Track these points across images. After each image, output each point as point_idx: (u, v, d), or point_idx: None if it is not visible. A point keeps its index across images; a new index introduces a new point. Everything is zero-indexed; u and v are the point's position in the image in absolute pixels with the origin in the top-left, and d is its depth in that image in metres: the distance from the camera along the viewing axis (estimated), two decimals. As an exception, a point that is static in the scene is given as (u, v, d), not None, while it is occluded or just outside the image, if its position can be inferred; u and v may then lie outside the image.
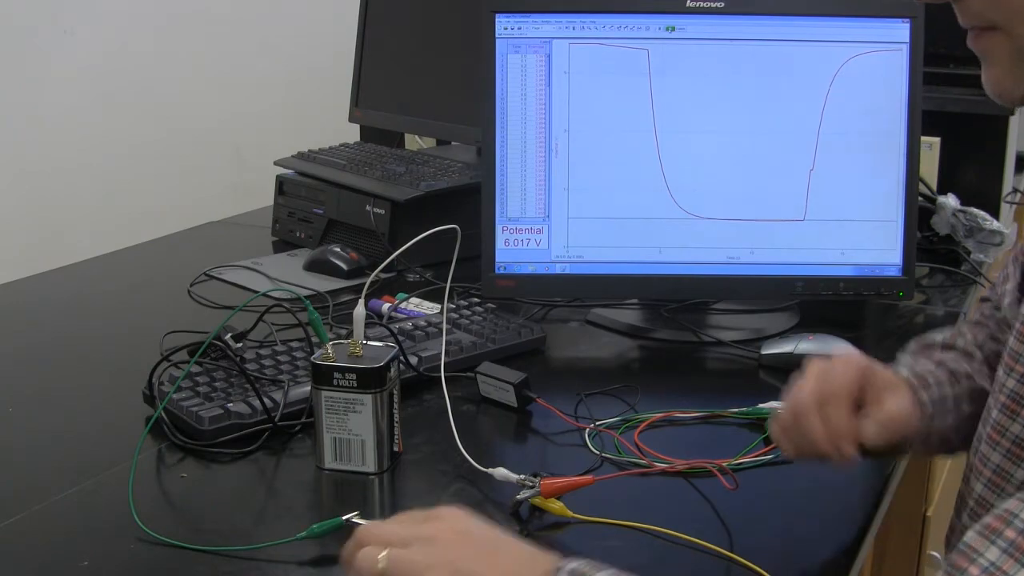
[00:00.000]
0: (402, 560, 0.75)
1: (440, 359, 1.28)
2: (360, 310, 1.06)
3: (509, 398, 1.20)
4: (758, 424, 1.17)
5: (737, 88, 1.40)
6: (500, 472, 1.02)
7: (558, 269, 1.43)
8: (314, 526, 0.94)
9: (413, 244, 1.06)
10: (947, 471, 1.85)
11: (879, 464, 1.13)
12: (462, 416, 1.20)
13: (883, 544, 1.68)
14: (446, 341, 1.31)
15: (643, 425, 1.15)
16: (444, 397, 1.13)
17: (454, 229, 1.07)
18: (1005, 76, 0.77)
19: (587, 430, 1.14)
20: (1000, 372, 0.88)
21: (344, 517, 0.94)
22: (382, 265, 1.11)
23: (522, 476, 1.00)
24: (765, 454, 1.10)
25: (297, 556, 0.93)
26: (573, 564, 0.74)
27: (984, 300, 1.15)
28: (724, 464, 1.06)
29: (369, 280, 1.15)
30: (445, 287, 1.10)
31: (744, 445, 1.12)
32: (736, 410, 1.19)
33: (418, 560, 0.74)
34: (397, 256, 1.57)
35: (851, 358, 0.97)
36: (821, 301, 1.45)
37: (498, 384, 1.21)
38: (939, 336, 1.09)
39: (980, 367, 1.04)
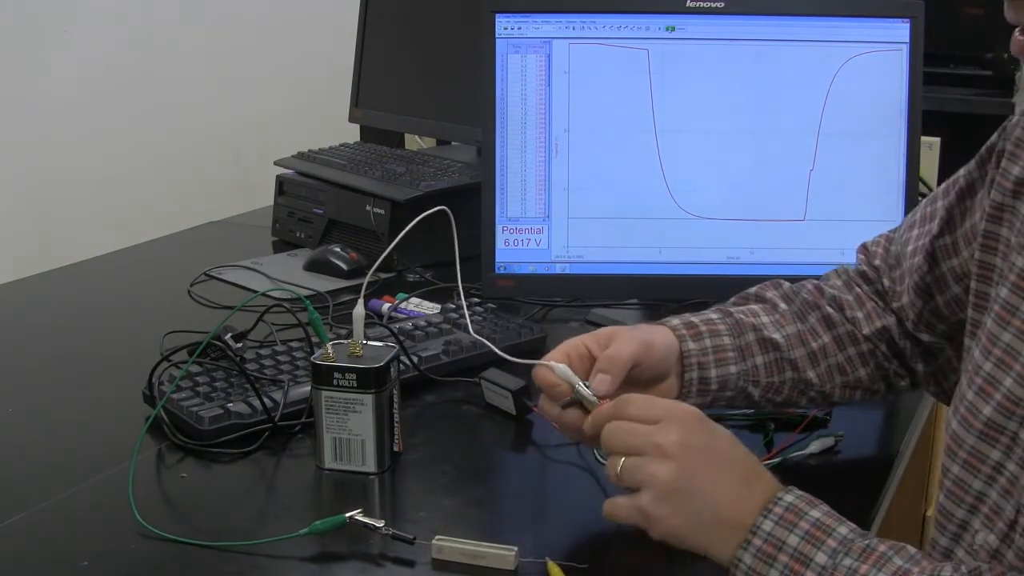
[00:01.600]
0: (635, 471, 0.87)
1: (439, 359, 1.28)
2: (360, 310, 1.06)
3: (508, 405, 1.19)
4: (759, 425, 1.17)
5: (737, 88, 1.40)
6: (561, 369, 0.99)
7: (558, 269, 1.43)
8: (317, 522, 0.94)
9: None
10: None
11: (880, 465, 1.13)
12: (462, 418, 1.20)
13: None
14: (446, 341, 1.31)
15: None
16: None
17: (444, 211, 1.06)
18: None
19: None
20: (976, 352, 0.89)
21: (347, 515, 0.94)
22: (378, 261, 1.10)
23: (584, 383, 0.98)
24: (771, 458, 1.10)
25: (299, 553, 0.93)
26: (789, 498, 0.84)
27: (862, 247, 1.18)
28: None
29: (367, 280, 1.15)
30: (449, 285, 1.09)
31: (747, 447, 1.11)
32: (738, 412, 1.19)
33: (647, 475, 0.86)
34: (397, 257, 1.57)
35: (566, 342, 1.03)
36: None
37: (499, 391, 1.20)
38: (755, 288, 1.15)
39: (779, 318, 1.10)
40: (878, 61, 1.39)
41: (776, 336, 1.08)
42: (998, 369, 0.85)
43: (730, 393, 1.07)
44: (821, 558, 0.80)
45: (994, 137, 0.98)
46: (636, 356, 1.00)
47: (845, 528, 0.82)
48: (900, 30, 1.39)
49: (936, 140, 1.83)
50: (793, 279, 1.14)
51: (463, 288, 1.08)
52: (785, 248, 1.41)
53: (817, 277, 1.17)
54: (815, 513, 0.83)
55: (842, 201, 1.41)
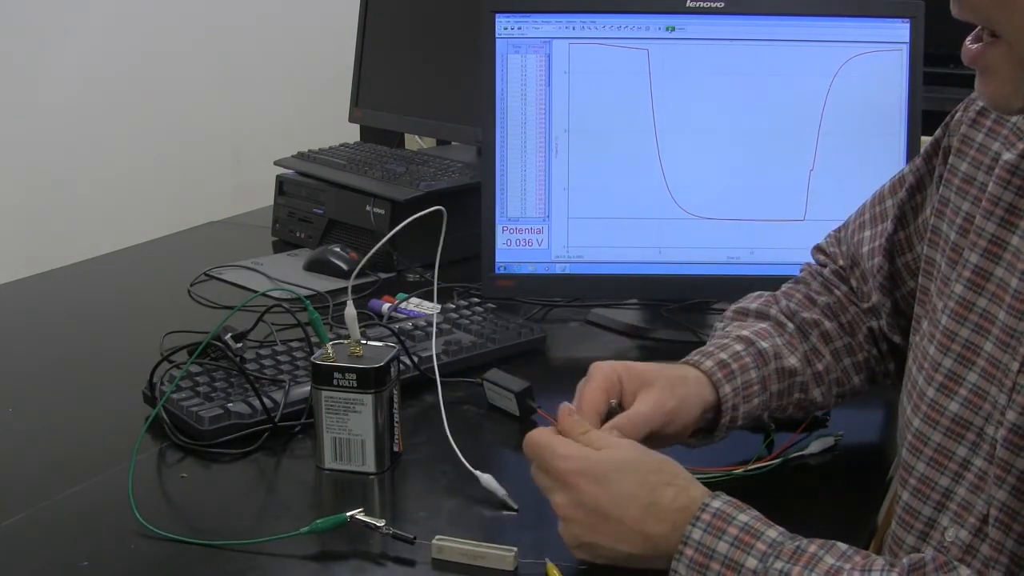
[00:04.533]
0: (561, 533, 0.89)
1: (440, 359, 1.28)
2: (351, 310, 1.06)
3: (512, 407, 1.19)
4: (759, 426, 1.17)
5: (737, 88, 1.40)
6: (486, 479, 1.02)
7: (558, 269, 1.43)
8: (318, 521, 0.94)
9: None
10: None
11: (880, 465, 1.13)
12: (462, 419, 1.20)
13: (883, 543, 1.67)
14: (446, 341, 1.31)
15: (649, 433, 1.15)
16: (446, 397, 1.12)
17: (440, 211, 1.06)
18: (1005, 88, 0.77)
19: None
20: (931, 348, 0.90)
21: (348, 514, 0.94)
22: (365, 258, 1.10)
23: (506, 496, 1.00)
24: (772, 459, 1.10)
25: (299, 552, 0.93)
26: (716, 504, 0.83)
27: (819, 251, 1.20)
28: (740, 471, 1.07)
29: (351, 281, 1.14)
30: (436, 267, 1.09)
31: (748, 447, 1.11)
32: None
33: (559, 531, 0.89)
34: (398, 257, 1.57)
35: (602, 366, 1.00)
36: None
37: (502, 392, 1.20)
38: (754, 304, 1.13)
39: (789, 339, 1.09)
40: (878, 61, 1.39)
41: (793, 362, 1.07)
42: (959, 365, 0.87)
43: (747, 422, 1.06)
44: (751, 563, 0.80)
45: (938, 133, 1.00)
46: (654, 427, 0.97)
47: (774, 531, 0.82)
48: (900, 30, 1.39)
49: (936, 140, 1.83)
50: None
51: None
52: (785, 248, 1.41)
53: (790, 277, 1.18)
54: (743, 517, 0.83)
55: (842, 201, 1.40)
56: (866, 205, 1.12)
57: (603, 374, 0.99)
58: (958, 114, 0.97)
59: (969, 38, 0.78)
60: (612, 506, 0.85)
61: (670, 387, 0.99)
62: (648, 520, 0.85)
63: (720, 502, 0.84)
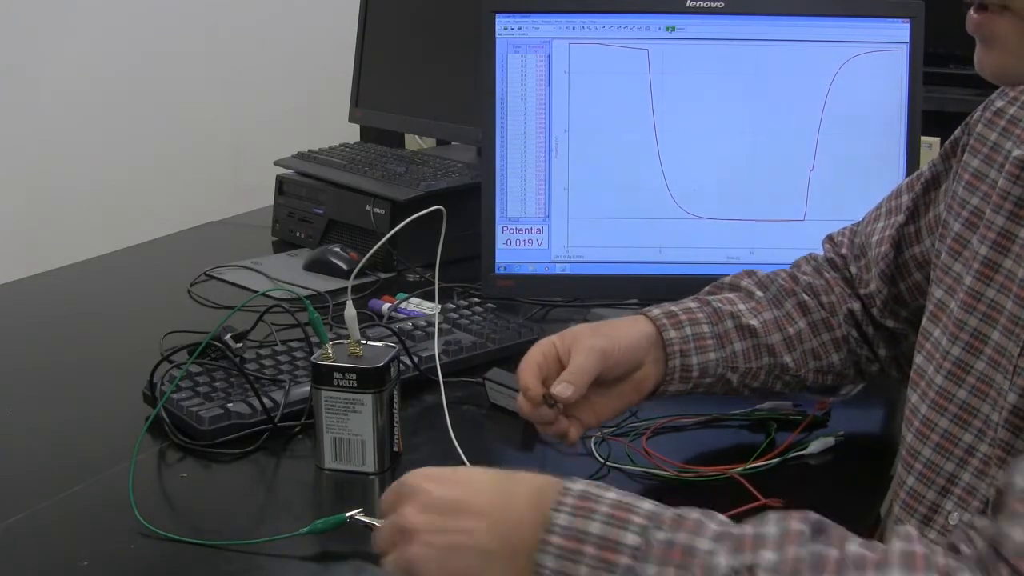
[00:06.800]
0: (398, 564, 0.77)
1: (440, 359, 1.28)
2: (351, 310, 1.06)
3: (516, 406, 1.19)
4: (760, 424, 1.17)
5: (737, 88, 1.40)
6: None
7: (558, 269, 1.43)
8: (317, 522, 0.94)
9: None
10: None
11: (880, 465, 1.13)
12: (463, 418, 1.20)
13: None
14: (445, 341, 1.31)
15: (649, 432, 1.15)
16: (446, 397, 1.12)
17: (440, 211, 1.07)
18: (1012, 59, 0.78)
19: (592, 439, 1.12)
20: (944, 339, 0.92)
21: (348, 514, 0.94)
22: (365, 258, 1.11)
23: None
24: (772, 458, 1.10)
25: (299, 552, 0.93)
26: (579, 486, 0.73)
27: (828, 239, 1.23)
28: (738, 470, 1.06)
29: (351, 281, 1.14)
30: (436, 268, 1.10)
31: (748, 447, 1.12)
32: (738, 412, 1.19)
33: (406, 561, 0.76)
34: (398, 257, 1.57)
35: (538, 343, 1.06)
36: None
37: (506, 391, 1.20)
38: (728, 278, 1.18)
39: (755, 305, 1.12)
40: (878, 61, 1.39)
41: (754, 322, 1.10)
42: (967, 353, 0.89)
43: (710, 379, 1.09)
44: (631, 539, 0.69)
45: (958, 132, 1.03)
46: (597, 368, 1.02)
47: (648, 503, 0.72)
48: (900, 30, 1.39)
49: (936, 140, 1.83)
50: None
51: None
52: (785, 248, 1.40)
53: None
54: (611, 495, 0.72)
55: (842, 201, 1.40)
56: (883, 200, 1.15)
57: (537, 349, 1.05)
58: (977, 114, 0.99)
59: (973, 8, 0.79)
60: (465, 492, 0.77)
61: (595, 331, 1.05)
62: (507, 488, 0.76)
63: (583, 484, 0.74)
